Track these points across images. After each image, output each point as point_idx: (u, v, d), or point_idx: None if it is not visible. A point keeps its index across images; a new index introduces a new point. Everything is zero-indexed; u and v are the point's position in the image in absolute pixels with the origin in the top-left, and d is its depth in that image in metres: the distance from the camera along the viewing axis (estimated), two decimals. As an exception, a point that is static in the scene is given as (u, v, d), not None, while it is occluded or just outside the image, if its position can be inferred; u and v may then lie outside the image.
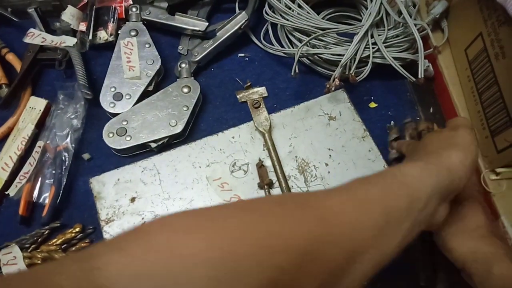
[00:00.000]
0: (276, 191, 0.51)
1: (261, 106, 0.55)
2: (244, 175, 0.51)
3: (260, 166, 0.51)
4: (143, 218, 0.48)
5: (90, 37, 0.63)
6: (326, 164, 0.52)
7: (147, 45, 0.63)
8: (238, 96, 0.54)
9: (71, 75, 0.61)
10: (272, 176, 0.51)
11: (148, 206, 0.49)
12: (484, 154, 0.57)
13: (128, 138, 0.57)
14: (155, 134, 0.57)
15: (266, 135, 0.53)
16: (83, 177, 0.56)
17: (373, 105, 0.64)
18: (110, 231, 0.48)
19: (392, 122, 0.61)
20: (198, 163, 0.52)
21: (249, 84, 0.55)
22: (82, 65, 0.60)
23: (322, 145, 0.54)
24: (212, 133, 0.57)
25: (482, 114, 0.56)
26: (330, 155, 0.53)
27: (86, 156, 0.58)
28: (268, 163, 0.52)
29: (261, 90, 0.55)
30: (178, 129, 0.58)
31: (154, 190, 0.50)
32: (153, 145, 0.57)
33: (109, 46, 0.64)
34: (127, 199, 0.50)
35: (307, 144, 0.54)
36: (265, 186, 0.50)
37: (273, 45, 0.67)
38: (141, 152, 0.59)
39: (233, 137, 0.54)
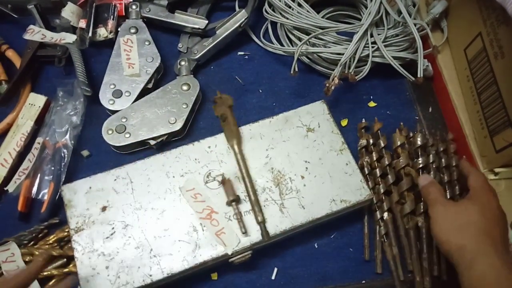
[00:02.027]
0: (245, 206, 0.49)
1: (226, 120, 0.53)
2: (219, 186, 0.50)
3: (224, 181, 0.50)
4: (113, 228, 0.47)
5: (90, 34, 0.63)
6: (302, 177, 0.51)
7: (146, 43, 0.63)
8: (215, 112, 0.55)
9: (71, 72, 0.61)
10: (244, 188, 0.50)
11: (119, 216, 0.48)
12: (482, 154, 0.57)
13: (127, 135, 0.57)
14: (154, 131, 0.57)
15: (236, 148, 0.52)
16: (82, 173, 0.56)
17: (372, 104, 0.64)
18: (79, 240, 0.47)
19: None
20: (172, 172, 0.51)
21: (218, 96, 0.55)
22: (81, 62, 0.60)
23: (299, 157, 0.52)
24: (211, 131, 0.57)
25: (481, 114, 0.56)
26: (306, 168, 0.52)
27: (85, 153, 0.58)
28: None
29: (229, 100, 0.55)
30: (177, 126, 0.58)
31: (126, 199, 0.49)
32: (152, 142, 0.57)
33: (109, 44, 0.64)
34: (98, 208, 0.48)
35: (283, 155, 0.52)
36: (232, 203, 0.49)
37: (273, 43, 0.67)
38: (141, 149, 0.59)
39: (209, 147, 0.53)
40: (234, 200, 0.48)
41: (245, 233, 0.48)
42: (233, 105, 0.55)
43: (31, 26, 0.62)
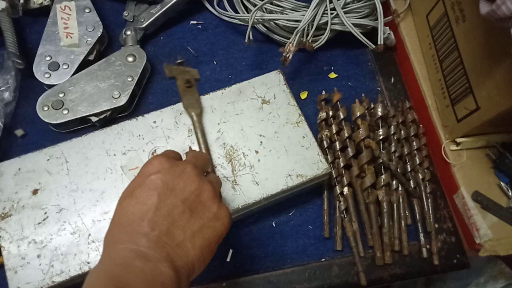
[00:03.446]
0: None
1: (192, 87, 0.48)
2: None
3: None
4: (46, 213, 0.43)
5: (22, 0, 0.56)
6: (257, 152, 0.48)
7: (87, 10, 0.57)
8: (166, 70, 0.47)
9: (1, 43, 0.55)
10: None
11: (53, 199, 0.43)
12: (444, 124, 0.55)
13: (65, 112, 0.51)
14: (96, 107, 0.52)
15: (196, 118, 0.47)
16: (16, 155, 0.51)
17: (333, 75, 0.61)
18: (6, 227, 0.42)
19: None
20: (113, 150, 0.46)
21: (181, 61, 0.48)
22: (12, 31, 0.54)
23: (253, 130, 0.49)
24: (161, 106, 0.52)
25: (443, 82, 0.54)
26: (261, 142, 0.48)
27: (19, 132, 0.53)
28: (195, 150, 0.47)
29: (193, 72, 0.49)
30: (122, 101, 0.53)
31: (61, 180, 0.44)
32: (94, 119, 0.52)
33: (46, 12, 0.57)
34: (28, 191, 0.43)
35: (236, 129, 0.49)
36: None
37: (228, 11, 0.62)
38: (82, 127, 0.54)
39: (154, 122, 0.48)
40: None
41: None
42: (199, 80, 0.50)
43: (-48, -9, 0.55)
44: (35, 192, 0.44)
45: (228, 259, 0.49)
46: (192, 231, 0.31)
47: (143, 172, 0.33)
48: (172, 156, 0.36)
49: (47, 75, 0.53)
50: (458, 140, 0.53)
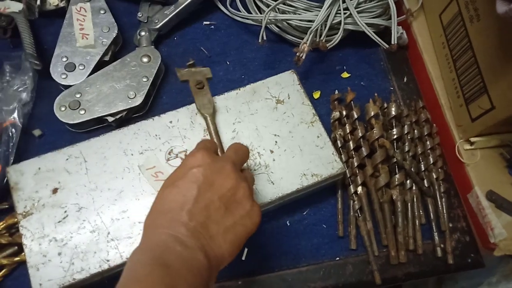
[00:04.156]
0: None
1: (204, 87, 0.49)
2: None
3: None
4: (65, 211, 0.43)
5: (39, 2, 0.57)
6: (271, 151, 0.48)
7: (102, 11, 0.57)
8: (178, 74, 0.47)
9: (18, 45, 0.56)
10: None
11: (72, 198, 0.44)
12: (458, 123, 0.55)
13: (82, 112, 0.52)
14: (111, 107, 0.53)
15: (209, 119, 0.48)
16: (34, 155, 0.51)
17: (345, 75, 0.61)
18: (28, 225, 0.43)
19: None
20: (130, 150, 0.47)
21: (191, 62, 0.48)
22: (29, 32, 0.55)
23: (267, 130, 0.49)
24: (175, 107, 0.52)
25: (456, 82, 0.54)
26: (276, 141, 0.48)
27: (36, 132, 0.54)
28: None
29: (205, 71, 0.49)
30: (137, 101, 0.53)
31: (80, 180, 0.45)
32: (110, 119, 0.53)
33: (61, 13, 0.58)
34: (48, 190, 0.44)
35: (251, 129, 0.49)
36: None
37: (240, 11, 0.63)
38: (98, 127, 0.55)
39: (170, 122, 0.49)
40: None
41: None
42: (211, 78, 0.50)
43: (-30, -6, 0.56)
44: (55, 191, 0.44)
45: (243, 258, 0.49)
46: (225, 226, 0.33)
47: (186, 164, 0.35)
48: (212, 149, 0.39)
49: (63, 76, 0.54)
50: (472, 139, 0.53)
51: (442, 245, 0.51)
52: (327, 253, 0.51)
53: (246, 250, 0.50)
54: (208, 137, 0.48)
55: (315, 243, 0.51)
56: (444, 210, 0.52)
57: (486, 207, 0.50)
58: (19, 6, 0.56)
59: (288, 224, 0.52)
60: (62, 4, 0.58)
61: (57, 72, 0.54)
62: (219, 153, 0.45)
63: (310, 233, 0.51)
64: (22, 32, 0.55)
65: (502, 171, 0.53)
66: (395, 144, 0.52)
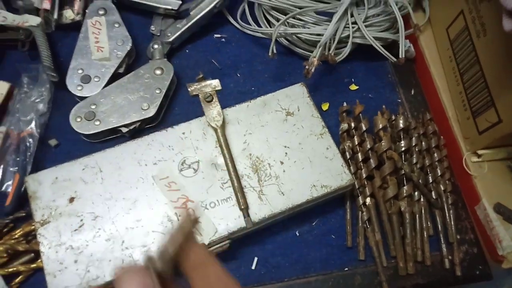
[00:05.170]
0: (228, 191, 0.47)
1: (213, 100, 0.50)
2: (194, 174, 0.48)
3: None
4: (81, 220, 0.45)
5: (55, 16, 0.59)
6: (282, 162, 0.49)
7: (116, 25, 0.59)
8: (189, 89, 0.49)
9: (36, 57, 0.58)
10: (224, 174, 0.48)
11: (88, 207, 0.45)
12: (465, 136, 0.56)
13: (97, 123, 0.54)
14: (126, 118, 0.54)
15: (219, 131, 0.49)
16: (50, 164, 0.53)
17: (354, 87, 0.63)
18: (45, 233, 0.44)
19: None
20: (144, 160, 0.48)
21: (201, 76, 0.50)
22: (47, 45, 0.57)
23: (278, 142, 0.50)
24: (187, 118, 0.54)
25: (463, 95, 0.55)
26: (286, 153, 0.50)
27: (53, 142, 0.55)
28: (220, 161, 0.49)
29: (215, 83, 0.50)
30: (151, 112, 0.55)
31: (95, 189, 0.46)
32: (124, 129, 0.54)
33: (76, 26, 0.60)
34: (65, 199, 0.46)
35: (262, 141, 0.50)
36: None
37: (250, 25, 0.64)
38: (112, 137, 0.56)
39: (183, 133, 0.50)
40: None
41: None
42: (220, 90, 0.52)
43: (-9, 8, 0.58)
44: (71, 200, 0.46)
45: (253, 267, 0.50)
46: None
47: None
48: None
49: (79, 88, 0.55)
50: (480, 152, 0.54)
51: (450, 257, 0.51)
52: (336, 263, 0.51)
53: (256, 259, 0.51)
54: (219, 149, 0.49)
55: (324, 254, 0.52)
56: (452, 222, 0.53)
57: (494, 219, 0.51)
58: (37, 20, 0.58)
59: (298, 235, 0.53)
60: (78, 18, 0.60)
61: (73, 84, 0.56)
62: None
63: (319, 244, 0.52)
64: (40, 45, 0.57)
65: (509, 183, 0.54)
66: (403, 156, 0.53)
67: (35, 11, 0.59)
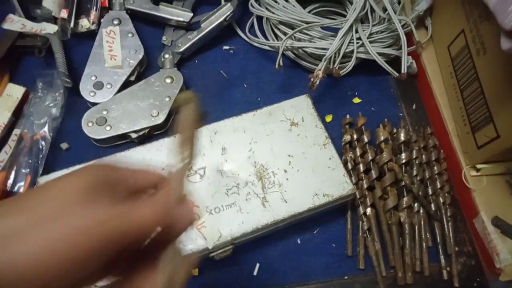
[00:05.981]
0: (232, 197, 0.49)
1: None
2: (200, 180, 0.50)
3: None
4: None
5: (72, 25, 0.62)
6: (285, 171, 0.51)
7: (130, 35, 0.61)
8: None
9: (51, 63, 0.60)
10: (229, 181, 0.50)
11: None
12: (465, 150, 0.57)
13: (108, 128, 0.56)
14: (135, 124, 0.56)
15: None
16: (60, 167, 0.55)
17: (357, 100, 0.64)
18: None
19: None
20: (152, 166, 0.50)
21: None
22: (62, 52, 0.59)
23: (282, 151, 0.52)
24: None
25: (463, 110, 0.57)
26: (289, 162, 0.51)
27: (64, 145, 0.57)
28: (226, 167, 0.51)
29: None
30: (160, 119, 0.57)
31: None
32: (134, 135, 0.56)
33: (91, 35, 0.62)
34: None
35: (267, 149, 0.52)
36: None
37: (258, 38, 0.66)
38: (121, 142, 0.58)
39: None
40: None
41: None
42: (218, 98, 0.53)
43: (11, 15, 0.61)
44: (81, 202, 0.47)
45: (255, 273, 0.51)
46: None
47: None
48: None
49: (92, 94, 0.57)
50: (478, 166, 0.55)
51: (448, 268, 0.52)
52: (336, 271, 0.52)
53: (258, 265, 0.52)
54: (226, 155, 0.51)
55: (324, 262, 0.53)
56: (451, 234, 0.54)
57: (491, 232, 0.52)
58: (54, 28, 0.60)
59: (299, 242, 0.54)
60: (93, 27, 0.63)
61: (86, 89, 0.58)
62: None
63: (319, 252, 0.53)
64: (56, 52, 0.59)
65: (508, 197, 0.55)
66: (403, 168, 0.55)
67: (53, 20, 0.61)
